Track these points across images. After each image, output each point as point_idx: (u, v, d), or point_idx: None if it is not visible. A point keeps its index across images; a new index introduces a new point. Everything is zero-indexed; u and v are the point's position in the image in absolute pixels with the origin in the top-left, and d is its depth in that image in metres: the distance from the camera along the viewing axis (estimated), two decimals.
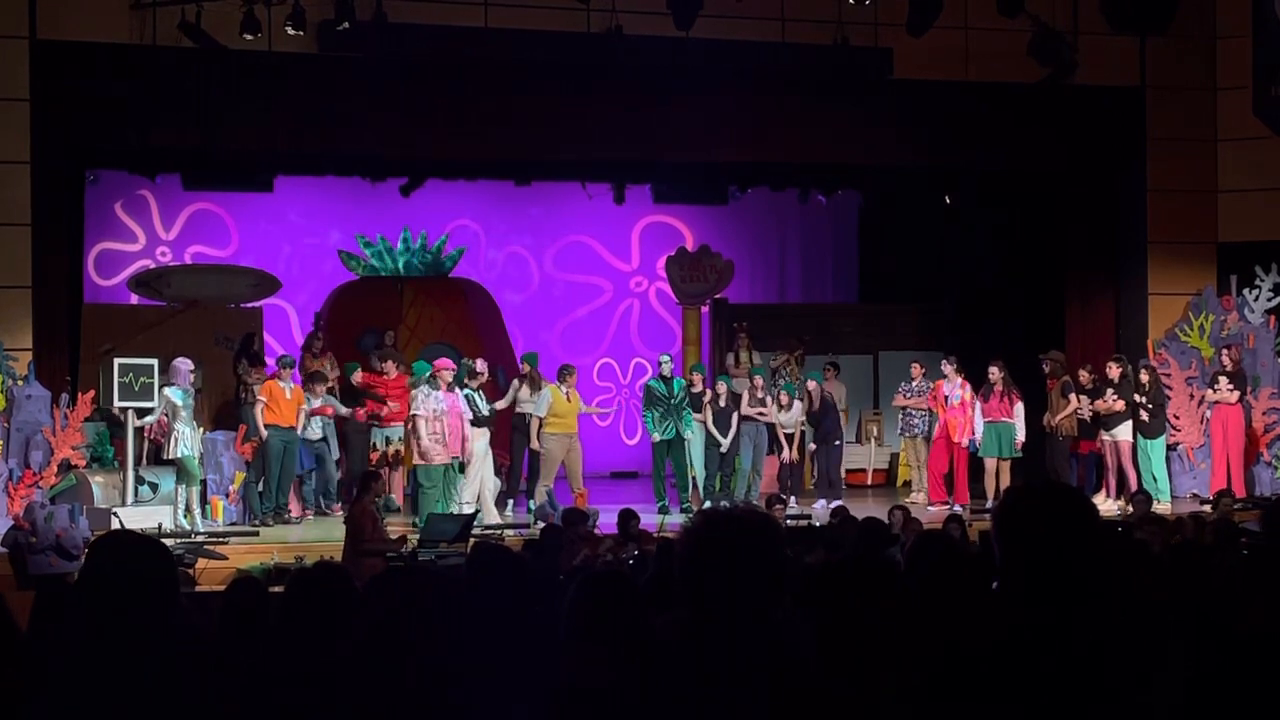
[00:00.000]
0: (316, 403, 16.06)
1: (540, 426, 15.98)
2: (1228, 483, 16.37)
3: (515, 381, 16.71)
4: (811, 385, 17.66)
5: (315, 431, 16.10)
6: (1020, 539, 3.39)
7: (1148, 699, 3.23)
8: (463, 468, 15.19)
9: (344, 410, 16.30)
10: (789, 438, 17.36)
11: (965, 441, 16.78)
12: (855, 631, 4.23)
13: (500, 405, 16.27)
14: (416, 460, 14.88)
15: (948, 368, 17.05)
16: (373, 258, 21.28)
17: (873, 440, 20.18)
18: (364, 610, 3.99)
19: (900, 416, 18.17)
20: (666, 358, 17.22)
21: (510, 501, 16.31)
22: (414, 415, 14.81)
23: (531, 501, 16.04)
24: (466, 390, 15.46)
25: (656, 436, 16.57)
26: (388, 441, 16.52)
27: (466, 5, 16.35)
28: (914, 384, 17.79)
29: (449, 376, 15.11)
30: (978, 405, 16.71)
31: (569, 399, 16.26)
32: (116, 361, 14.96)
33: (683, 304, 21.48)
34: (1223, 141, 18.31)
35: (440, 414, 14.86)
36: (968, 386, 16.87)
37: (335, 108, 16.21)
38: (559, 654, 4.36)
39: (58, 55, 15.35)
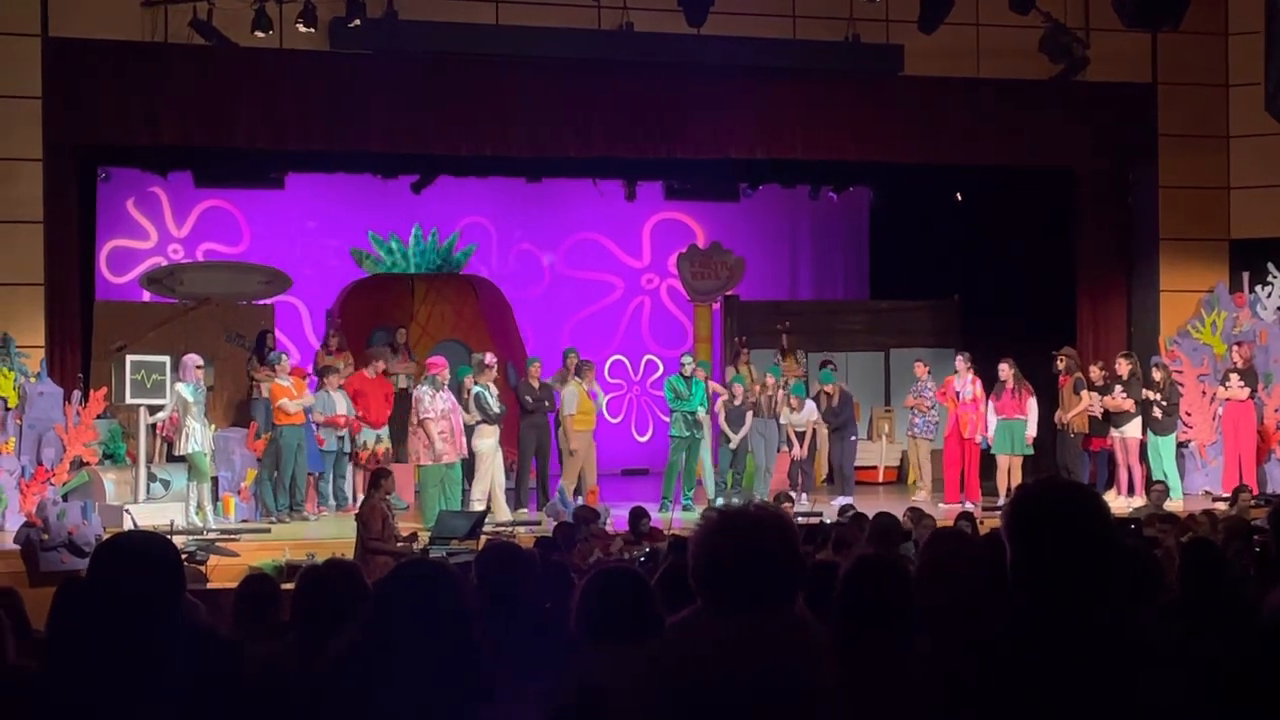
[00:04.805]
0: (336, 395, 16.08)
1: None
2: (1239, 479, 16.32)
3: (560, 377, 16.76)
4: (829, 388, 17.61)
5: (331, 444, 16.18)
6: (1031, 536, 3.38)
7: (1161, 695, 3.22)
8: (464, 465, 15.25)
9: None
10: (800, 435, 17.35)
11: (978, 438, 16.76)
12: (870, 631, 4.21)
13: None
14: (426, 461, 14.88)
15: (960, 363, 17.02)
16: (384, 255, 21.30)
17: (884, 437, 20.16)
18: (375, 605, 3.99)
19: (908, 415, 18.19)
20: (688, 358, 17.20)
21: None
22: (424, 418, 14.81)
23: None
24: (477, 387, 15.45)
25: (679, 432, 16.53)
26: (378, 440, 16.55)
27: (477, 2, 16.38)
28: (919, 383, 17.77)
29: (447, 375, 15.14)
30: (990, 402, 16.69)
31: (589, 396, 16.38)
32: (128, 358, 14.99)
33: (694, 301, 21.47)
34: (1235, 138, 18.28)
35: (446, 413, 14.89)
36: (979, 382, 16.85)
37: (346, 105, 16.23)
38: (570, 650, 4.37)
39: (70, 53, 15.39)
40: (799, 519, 13.16)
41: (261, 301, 18.80)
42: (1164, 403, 16.53)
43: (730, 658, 3.23)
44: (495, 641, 4.65)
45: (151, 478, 14.94)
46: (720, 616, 3.31)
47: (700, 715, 3.21)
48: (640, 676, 3.39)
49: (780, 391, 17.40)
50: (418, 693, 3.71)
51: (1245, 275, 18.23)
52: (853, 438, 17.67)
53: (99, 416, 15.14)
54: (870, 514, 10.60)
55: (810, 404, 17.49)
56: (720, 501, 16.13)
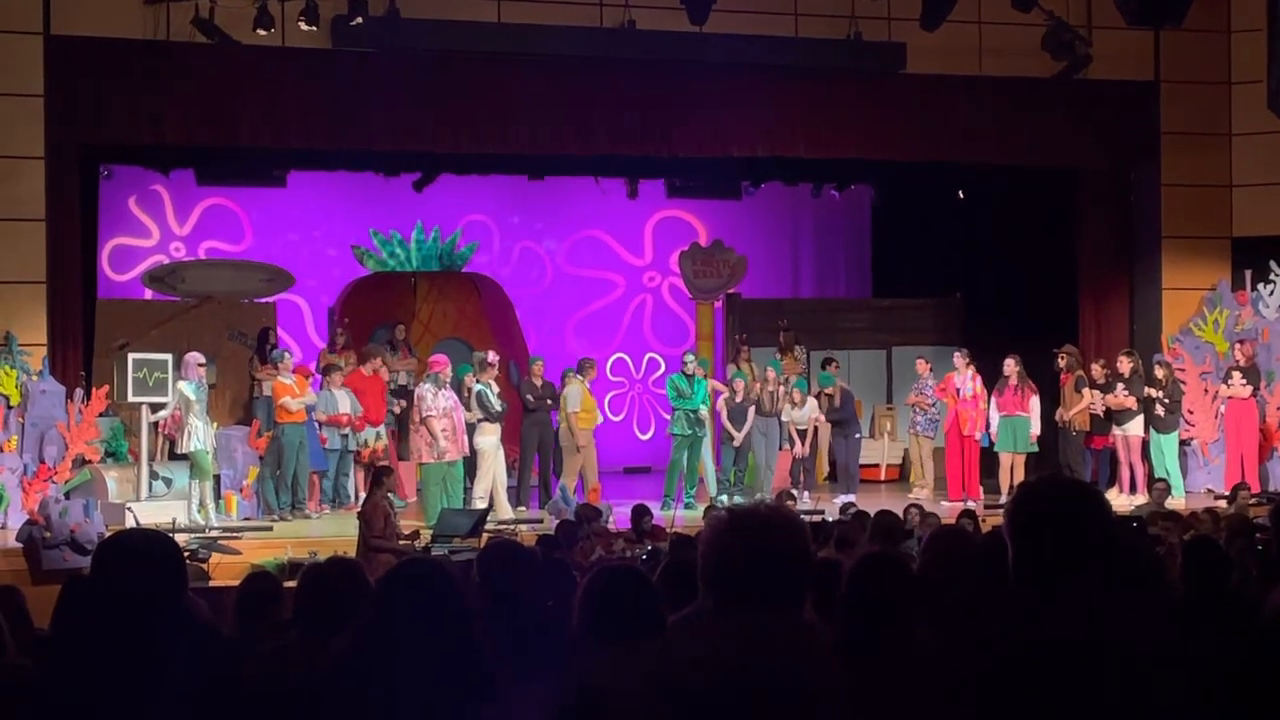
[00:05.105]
0: (340, 393, 16.07)
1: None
2: (1241, 477, 16.33)
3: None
4: (829, 390, 17.61)
5: (335, 442, 16.18)
6: (1034, 533, 3.38)
7: (1164, 694, 3.22)
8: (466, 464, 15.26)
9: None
10: (801, 433, 17.35)
11: (978, 435, 16.77)
12: (874, 629, 4.21)
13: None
14: (429, 459, 14.89)
15: (959, 360, 17.03)
16: (386, 253, 21.29)
17: (886, 435, 20.16)
18: (373, 604, 3.99)
19: (910, 413, 18.19)
20: (691, 356, 17.19)
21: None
22: (427, 416, 14.82)
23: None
24: (480, 385, 15.45)
25: (680, 430, 16.52)
26: (378, 437, 16.56)
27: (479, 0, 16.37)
28: (921, 380, 17.76)
29: (449, 373, 15.14)
30: (993, 400, 16.71)
31: (591, 393, 16.41)
32: (130, 356, 14.98)
33: (696, 299, 21.46)
34: (1237, 135, 18.27)
35: (448, 410, 14.89)
36: (979, 379, 16.86)
37: (348, 103, 16.21)
38: (572, 649, 4.36)
39: (72, 51, 15.37)
40: (801, 517, 13.15)
41: (263, 299, 18.82)
42: (1166, 401, 16.54)
43: (735, 658, 3.23)
44: (497, 640, 4.64)
45: (153, 476, 14.95)
46: (726, 616, 3.31)
47: (704, 715, 3.20)
48: (644, 676, 3.39)
49: (781, 388, 17.40)
50: (419, 691, 3.71)
51: (1248, 273, 18.21)
52: (857, 435, 17.67)
53: (101, 414, 15.14)
54: (872, 512, 10.60)
55: (812, 401, 17.49)
56: (723, 499, 16.14)
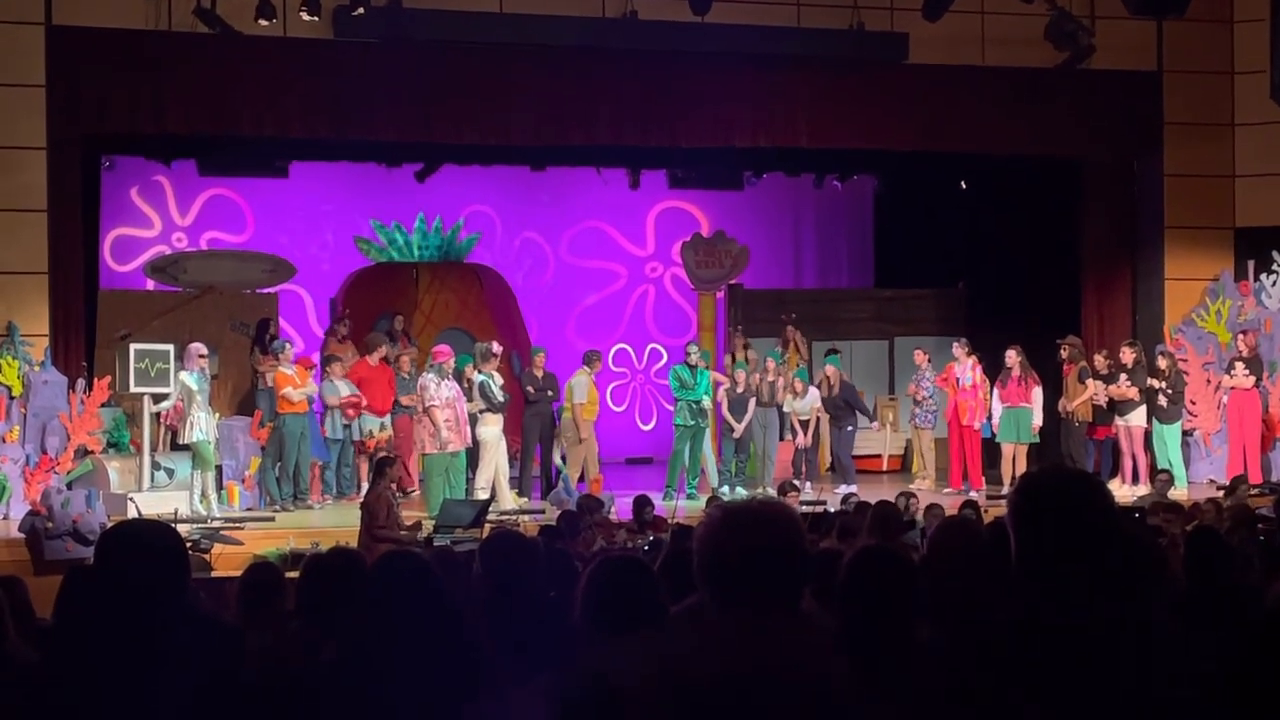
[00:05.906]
0: (340, 384, 16.07)
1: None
2: (1244, 468, 16.34)
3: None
4: (830, 370, 17.61)
5: (338, 432, 16.18)
6: (1036, 523, 3.38)
7: (1166, 688, 3.22)
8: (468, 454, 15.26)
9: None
10: (804, 424, 17.34)
11: (977, 424, 16.77)
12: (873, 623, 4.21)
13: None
14: (431, 449, 14.89)
15: (959, 350, 17.04)
16: (388, 244, 21.29)
17: (888, 426, 20.16)
18: (376, 593, 3.99)
19: (911, 403, 18.18)
20: (694, 347, 17.18)
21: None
22: (430, 406, 14.83)
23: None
24: (483, 375, 15.44)
25: (683, 421, 16.53)
26: (382, 428, 16.56)
27: None
28: (919, 371, 17.74)
29: (452, 364, 15.14)
30: (995, 390, 16.71)
31: (595, 385, 16.43)
32: (132, 347, 14.98)
33: (698, 290, 21.45)
34: (1240, 126, 18.25)
35: (451, 401, 14.89)
36: (979, 368, 16.87)
37: (350, 93, 16.20)
38: (574, 639, 4.36)
39: (73, 41, 15.37)
40: (803, 508, 13.13)
41: (265, 290, 18.81)
42: (1169, 391, 16.53)
43: (734, 656, 3.22)
44: (499, 631, 4.64)
45: (155, 466, 14.95)
46: (723, 613, 3.30)
47: (705, 711, 3.20)
48: (647, 669, 3.38)
49: (780, 380, 17.40)
50: (416, 684, 3.71)
51: (1250, 263, 18.20)
52: (849, 427, 17.66)
53: (103, 405, 15.15)
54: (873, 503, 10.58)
55: (814, 391, 17.49)
56: (725, 490, 16.15)
